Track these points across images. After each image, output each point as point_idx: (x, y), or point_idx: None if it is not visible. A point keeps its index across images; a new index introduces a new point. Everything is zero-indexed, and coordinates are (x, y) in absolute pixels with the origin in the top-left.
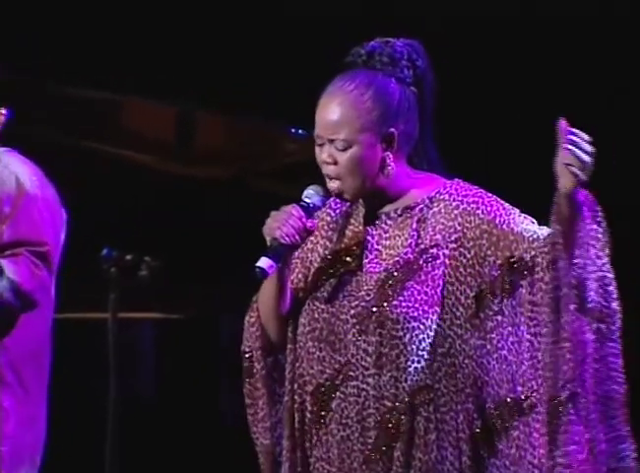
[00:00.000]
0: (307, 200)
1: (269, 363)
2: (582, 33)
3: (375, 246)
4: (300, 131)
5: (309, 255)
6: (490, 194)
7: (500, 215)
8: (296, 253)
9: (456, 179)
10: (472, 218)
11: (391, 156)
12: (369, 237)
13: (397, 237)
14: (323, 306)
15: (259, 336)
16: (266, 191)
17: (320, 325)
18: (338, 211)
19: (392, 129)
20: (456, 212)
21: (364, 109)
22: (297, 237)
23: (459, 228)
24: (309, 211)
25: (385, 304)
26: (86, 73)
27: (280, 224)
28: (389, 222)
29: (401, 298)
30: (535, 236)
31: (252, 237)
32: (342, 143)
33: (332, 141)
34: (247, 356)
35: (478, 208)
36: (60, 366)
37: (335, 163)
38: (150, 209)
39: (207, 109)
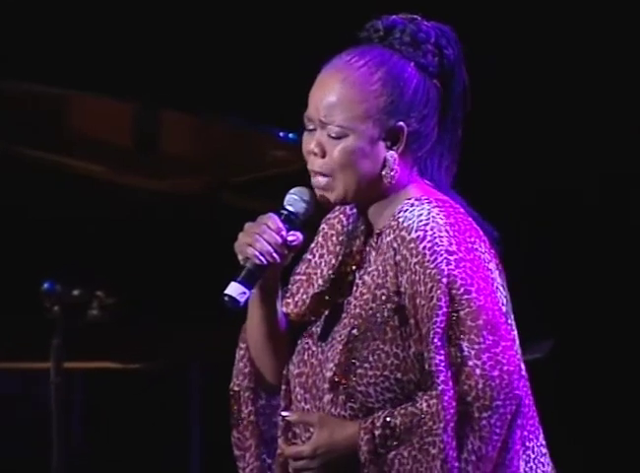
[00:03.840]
0: (289, 208)
1: (260, 407)
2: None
3: (358, 280)
4: (291, 135)
5: (317, 272)
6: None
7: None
8: (302, 268)
9: (420, 197)
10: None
11: (396, 156)
12: (355, 268)
13: (369, 273)
14: (314, 348)
15: (247, 374)
16: (247, 209)
17: (307, 371)
18: (352, 218)
19: (401, 123)
20: (395, 247)
21: (371, 92)
22: (275, 256)
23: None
24: (291, 221)
25: (352, 375)
26: (20, 63)
27: (252, 239)
28: (372, 251)
29: (366, 364)
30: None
31: (227, 265)
32: (336, 130)
33: (324, 126)
34: (234, 398)
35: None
36: None
37: (323, 155)
38: (102, 232)
39: (172, 108)
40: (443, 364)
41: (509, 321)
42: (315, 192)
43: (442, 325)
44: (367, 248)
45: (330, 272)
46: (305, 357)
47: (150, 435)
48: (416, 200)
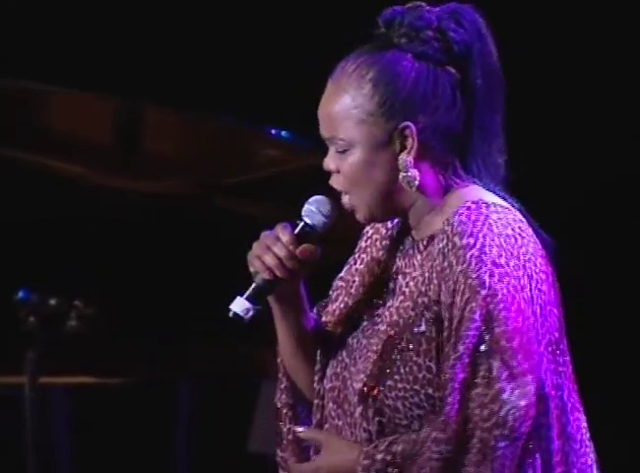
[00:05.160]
0: (306, 219)
1: (300, 424)
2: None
3: (404, 287)
4: (283, 133)
5: (357, 279)
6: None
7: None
8: (344, 273)
9: (477, 201)
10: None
11: (410, 160)
12: (396, 274)
13: (413, 279)
14: (347, 360)
15: (284, 389)
16: (238, 213)
17: (339, 385)
18: (395, 220)
19: (406, 122)
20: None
21: (362, 96)
22: (283, 270)
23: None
24: (307, 234)
25: (381, 387)
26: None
27: (262, 251)
28: (418, 255)
29: (397, 376)
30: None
31: (219, 274)
32: (340, 143)
33: (332, 141)
34: (277, 414)
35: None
36: None
37: (338, 172)
38: (80, 237)
39: (157, 104)
40: (464, 384)
41: (561, 347)
42: (334, 203)
43: (474, 341)
44: (411, 251)
45: (371, 279)
46: (338, 370)
47: (135, 452)
48: (473, 203)
